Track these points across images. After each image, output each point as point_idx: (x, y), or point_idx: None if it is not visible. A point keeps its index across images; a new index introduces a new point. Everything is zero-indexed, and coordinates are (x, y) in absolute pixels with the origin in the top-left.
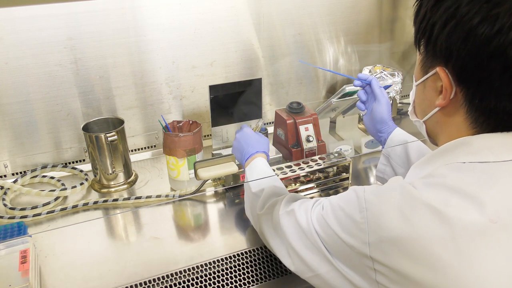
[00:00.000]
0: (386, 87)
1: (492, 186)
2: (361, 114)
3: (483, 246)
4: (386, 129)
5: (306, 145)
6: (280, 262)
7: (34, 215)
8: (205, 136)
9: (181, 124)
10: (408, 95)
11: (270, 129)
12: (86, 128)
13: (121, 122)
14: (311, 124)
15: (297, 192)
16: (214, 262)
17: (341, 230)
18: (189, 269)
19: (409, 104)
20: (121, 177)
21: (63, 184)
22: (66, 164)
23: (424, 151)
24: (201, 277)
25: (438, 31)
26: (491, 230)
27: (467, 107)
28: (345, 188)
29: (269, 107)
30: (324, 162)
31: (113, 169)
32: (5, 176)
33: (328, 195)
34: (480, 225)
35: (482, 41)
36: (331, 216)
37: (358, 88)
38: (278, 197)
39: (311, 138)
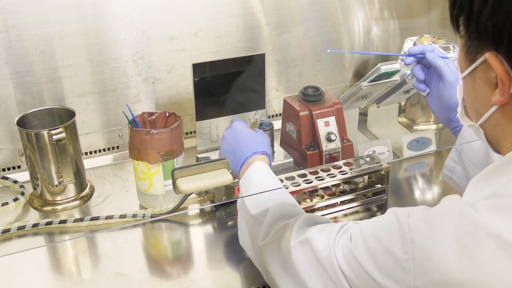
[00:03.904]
0: None
1: None
2: (424, 95)
3: None
4: None
5: (326, 146)
6: None
7: None
8: (187, 133)
9: (154, 117)
10: None
11: (277, 124)
12: (22, 123)
13: (71, 114)
14: (333, 117)
15: (313, 211)
16: None
17: (376, 270)
18: None
19: None
20: (71, 190)
21: None
22: None
23: None
24: None
25: (480, 5)
26: None
27: None
28: (381, 207)
29: (276, 94)
30: (351, 169)
31: (60, 179)
32: None
33: (358, 217)
34: None
35: None
36: (363, 250)
37: (396, 67)
38: (288, 220)
39: (333, 137)
